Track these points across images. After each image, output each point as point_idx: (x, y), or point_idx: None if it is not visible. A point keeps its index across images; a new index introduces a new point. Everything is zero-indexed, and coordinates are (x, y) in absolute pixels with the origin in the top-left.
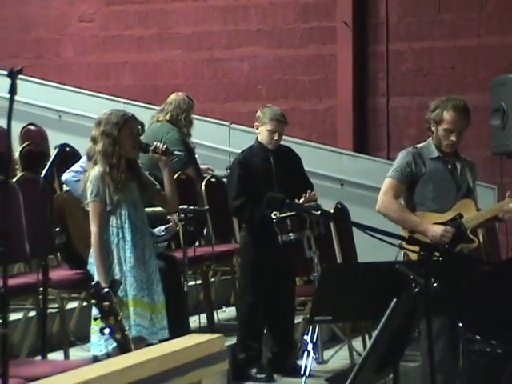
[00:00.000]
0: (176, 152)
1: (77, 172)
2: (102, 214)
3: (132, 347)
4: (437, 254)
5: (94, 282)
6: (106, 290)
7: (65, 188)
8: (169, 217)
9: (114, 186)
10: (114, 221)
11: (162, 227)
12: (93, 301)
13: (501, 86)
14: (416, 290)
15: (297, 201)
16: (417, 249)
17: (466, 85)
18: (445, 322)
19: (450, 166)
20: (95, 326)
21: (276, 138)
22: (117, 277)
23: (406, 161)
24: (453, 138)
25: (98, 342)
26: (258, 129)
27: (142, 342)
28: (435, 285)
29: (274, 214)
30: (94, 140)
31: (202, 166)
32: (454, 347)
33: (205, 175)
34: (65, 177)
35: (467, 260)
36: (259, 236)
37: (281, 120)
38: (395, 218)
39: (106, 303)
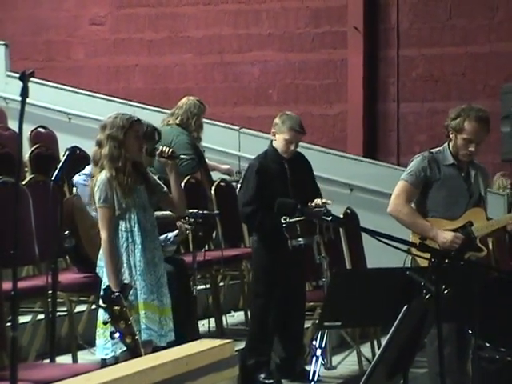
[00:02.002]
0: (182, 156)
1: (88, 175)
2: (110, 219)
3: (142, 351)
4: (447, 260)
5: (104, 286)
6: (116, 294)
7: (74, 191)
8: (178, 223)
9: (122, 191)
10: (123, 225)
11: (170, 235)
12: (103, 305)
13: (511, 93)
14: (427, 296)
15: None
16: (427, 255)
17: (477, 91)
18: (452, 327)
19: (463, 174)
20: (101, 329)
21: (292, 148)
22: (126, 281)
23: (421, 166)
24: (471, 149)
25: (105, 344)
26: (274, 135)
27: (150, 345)
28: (446, 291)
29: (284, 219)
30: (100, 144)
31: (222, 166)
32: (462, 353)
33: (226, 176)
34: (76, 178)
35: (477, 267)
36: (271, 241)
37: (299, 131)
38: (406, 221)
39: (116, 307)
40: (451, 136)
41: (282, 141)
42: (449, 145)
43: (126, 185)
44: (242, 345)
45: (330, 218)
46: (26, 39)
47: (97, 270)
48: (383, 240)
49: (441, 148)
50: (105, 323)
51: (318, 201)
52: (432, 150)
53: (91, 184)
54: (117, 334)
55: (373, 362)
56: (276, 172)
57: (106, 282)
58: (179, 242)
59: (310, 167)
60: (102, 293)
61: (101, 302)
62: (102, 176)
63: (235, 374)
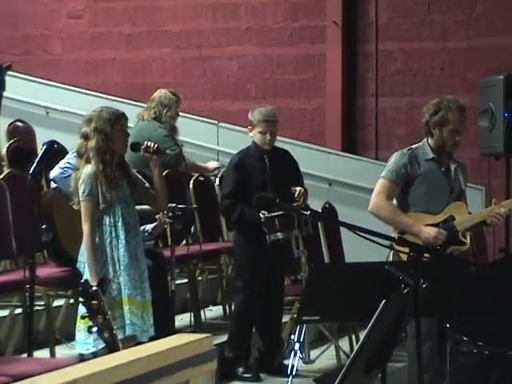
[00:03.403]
0: (168, 151)
1: (64, 168)
2: (94, 213)
3: (120, 346)
4: (426, 255)
5: (82, 281)
6: (94, 288)
7: (52, 185)
8: (157, 216)
9: (107, 184)
10: (107, 219)
11: (148, 227)
12: (81, 299)
13: (489, 88)
14: (405, 290)
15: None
16: (407, 250)
17: (455, 86)
18: (433, 322)
19: (443, 168)
20: (81, 324)
21: (269, 138)
22: (110, 276)
23: (402, 162)
24: (458, 138)
25: (86, 340)
26: (251, 132)
27: (133, 341)
28: (424, 286)
29: (263, 214)
30: (86, 137)
31: (210, 165)
32: (442, 348)
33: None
34: (53, 174)
35: (456, 262)
36: (250, 235)
37: (270, 120)
38: (388, 219)
39: (94, 302)
40: (433, 131)
41: (257, 134)
42: (428, 140)
43: (112, 178)
44: (220, 339)
45: (308, 213)
46: (3, 32)
47: (77, 265)
48: (362, 234)
49: (420, 144)
50: (83, 317)
51: (297, 188)
52: (411, 147)
53: (75, 177)
54: (94, 329)
55: (351, 357)
56: (255, 167)
57: (86, 276)
58: (157, 235)
59: (295, 165)
60: (80, 287)
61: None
62: (88, 169)
63: (213, 368)
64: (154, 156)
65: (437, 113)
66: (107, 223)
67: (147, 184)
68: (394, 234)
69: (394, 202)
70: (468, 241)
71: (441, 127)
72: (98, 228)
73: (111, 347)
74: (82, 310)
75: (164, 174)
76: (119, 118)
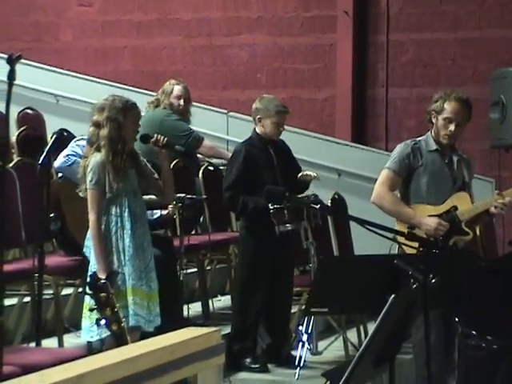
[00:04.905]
0: (177, 147)
1: (68, 156)
2: (100, 202)
3: (128, 339)
4: (435, 250)
5: (90, 273)
6: (103, 281)
7: (59, 175)
8: (170, 206)
9: (115, 174)
10: (113, 209)
11: (159, 212)
12: (89, 291)
13: (501, 80)
14: (414, 285)
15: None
16: (413, 243)
17: (466, 77)
18: (437, 314)
19: (447, 160)
20: (87, 312)
21: (281, 129)
22: (115, 266)
23: (405, 153)
24: (451, 128)
25: (91, 327)
26: (260, 121)
27: (137, 331)
28: (433, 280)
29: (272, 205)
30: (98, 125)
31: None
32: (447, 340)
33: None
34: (57, 164)
35: (465, 256)
36: (258, 227)
37: (285, 111)
38: (389, 209)
39: (102, 294)
40: (433, 120)
41: (271, 125)
42: (431, 132)
43: (121, 167)
44: (228, 329)
45: (318, 206)
46: (14, 20)
47: (84, 249)
48: (371, 228)
49: (424, 136)
50: (91, 310)
51: (307, 172)
52: (415, 139)
53: (83, 164)
54: (103, 321)
55: (359, 351)
56: (263, 159)
57: (93, 264)
58: (165, 222)
59: (290, 151)
60: (88, 279)
61: (87, 289)
62: (97, 158)
63: (221, 362)
64: (163, 150)
65: (436, 101)
66: (113, 213)
67: (156, 175)
68: (399, 227)
69: (397, 193)
70: (476, 232)
71: (437, 115)
72: (103, 217)
73: (119, 340)
74: (87, 298)
75: (172, 164)
76: (132, 108)
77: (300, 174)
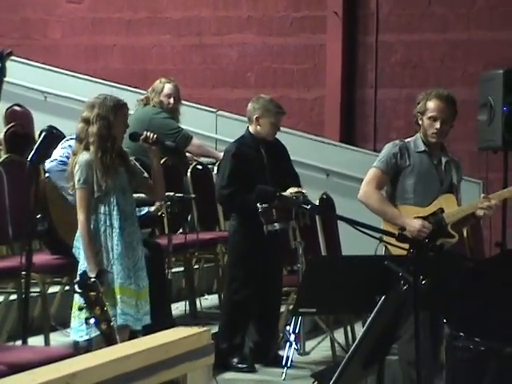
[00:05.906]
0: (167, 143)
1: (61, 162)
2: (89, 201)
3: (117, 338)
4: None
5: (80, 272)
6: (92, 279)
7: (46, 175)
8: (157, 203)
9: (103, 172)
10: (102, 208)
11: (146, 208)
12: (78, 290)
13: (489, 81)
14: (404, 287)
15: (285, 192)
16: (400, 244)
17: (455, 78)
18: (425, 315)
19: (435, 162)
20: (76, 311)
21: (278, 129)
22: (104, 265)
23: (392, 152)
24: (437, 126)
25: (80, 327)
26: (258, 120)
27: (126, 330)
28: (424, 282)
29: (260, 204)
30: (87, 121)
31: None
32: (434, 341)
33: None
34: (48, 165)
35: (454, 258)
36: (247, 226)
37: (284, 112)
38: (375, 208)
39: (92, 293)
40: (420, 122)
41: (269, 124)
42: (420, 132)
43: (109, 165)
44: (215, 328)
45: (308, 207)
46: (2, 16)
47: (73, 250)
48: (360, 228)
49: (413, 137)
50: (80, 309)
51: (293, 189)
52: (405, 140)
53: (71, 162)
54: (92, 320)
55: (349, 352)
56: (253, 158)
57: (82, 263)
58: (154, 224)
59: (286, 153)
60: (77, 278)
61: (76, 288)
62: (85, 156)
63: (211, 362)
64: (154, 147)
65: (419, 103)
66: (102, 212)
67: (146, 174)
68: (384, 226)
69: (384, 194)
70: (463, 233)
71: (422, 116)
72: (92, 216)
73: (108, 339)
74: (77, 296)
75: (162, 162)
76: (122, 108)
77: (295, 191)
